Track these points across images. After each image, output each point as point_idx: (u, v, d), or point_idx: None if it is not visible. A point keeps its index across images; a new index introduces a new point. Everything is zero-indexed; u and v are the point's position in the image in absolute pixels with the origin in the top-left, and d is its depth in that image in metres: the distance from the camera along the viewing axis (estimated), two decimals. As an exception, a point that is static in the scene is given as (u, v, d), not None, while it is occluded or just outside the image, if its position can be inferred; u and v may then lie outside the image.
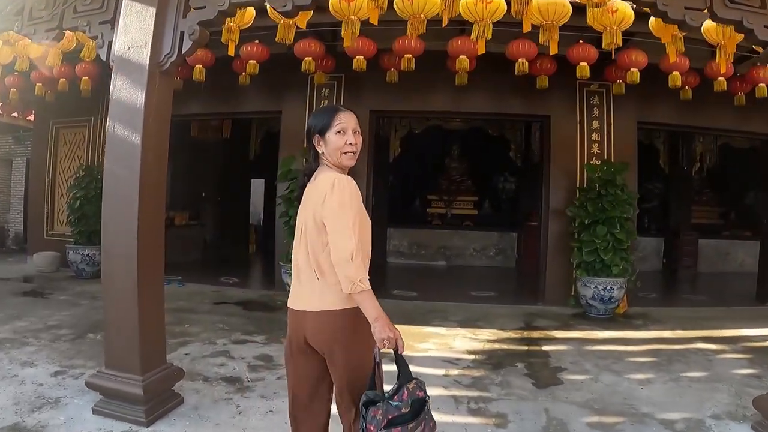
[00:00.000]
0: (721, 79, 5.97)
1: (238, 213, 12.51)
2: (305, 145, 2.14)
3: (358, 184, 1.94)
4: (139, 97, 2.69)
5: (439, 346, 4.78)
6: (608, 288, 6.20)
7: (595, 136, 6.82)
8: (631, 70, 5.78)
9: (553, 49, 4.49)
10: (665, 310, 6.68)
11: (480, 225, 12.09)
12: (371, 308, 1.76)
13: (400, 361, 1.82)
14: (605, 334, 5.49)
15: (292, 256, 2.05)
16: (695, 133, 8.99)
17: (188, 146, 10.82)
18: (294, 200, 6.54)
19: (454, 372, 4.05)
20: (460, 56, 5.54)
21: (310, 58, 5.83)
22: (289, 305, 2.00)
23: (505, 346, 4.86)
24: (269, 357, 4.25)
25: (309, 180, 2.03)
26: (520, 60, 5.56)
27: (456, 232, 11.46)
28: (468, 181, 13.33)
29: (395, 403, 1.72)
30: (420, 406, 1.76)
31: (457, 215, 12.56)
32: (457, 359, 4.37)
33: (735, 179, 12.50)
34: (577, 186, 6.76)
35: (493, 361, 4.37)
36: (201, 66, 6.27)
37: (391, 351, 1.80)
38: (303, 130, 7.30)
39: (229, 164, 12.02)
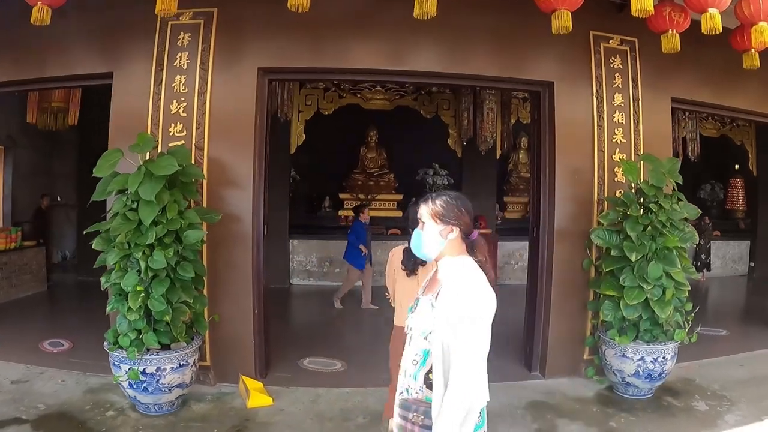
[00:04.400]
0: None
1: (100, 221, 9.06)
2: None
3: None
4: None
5: None
6: (660, 359, 3.90)
7: (618, 117, 4.44)
8: (709, 11, 3.44)
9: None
10: (708, 368, 4.70)
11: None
12: None
13: None
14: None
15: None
16: (739, 117, 6.92)
17: (28, 138, 8.63)
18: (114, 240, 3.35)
19: None
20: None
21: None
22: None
23: None
24: None
25: None
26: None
27: (380, 243, 8.63)
28: (389, 175, 10.80)
29: None
30: None
31: (376, 218, 9.85)
32: None
33: (694, 170, 11.16)
34: (596, 194, 4.39)
35: None
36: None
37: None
38: (147, 101, 3.25)
39: (87, 158, 8.89)
